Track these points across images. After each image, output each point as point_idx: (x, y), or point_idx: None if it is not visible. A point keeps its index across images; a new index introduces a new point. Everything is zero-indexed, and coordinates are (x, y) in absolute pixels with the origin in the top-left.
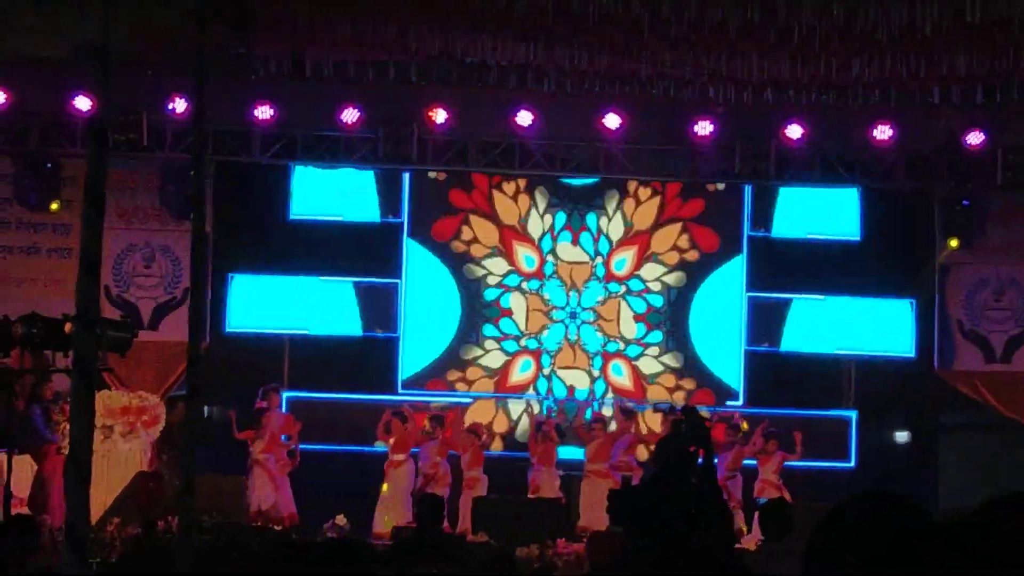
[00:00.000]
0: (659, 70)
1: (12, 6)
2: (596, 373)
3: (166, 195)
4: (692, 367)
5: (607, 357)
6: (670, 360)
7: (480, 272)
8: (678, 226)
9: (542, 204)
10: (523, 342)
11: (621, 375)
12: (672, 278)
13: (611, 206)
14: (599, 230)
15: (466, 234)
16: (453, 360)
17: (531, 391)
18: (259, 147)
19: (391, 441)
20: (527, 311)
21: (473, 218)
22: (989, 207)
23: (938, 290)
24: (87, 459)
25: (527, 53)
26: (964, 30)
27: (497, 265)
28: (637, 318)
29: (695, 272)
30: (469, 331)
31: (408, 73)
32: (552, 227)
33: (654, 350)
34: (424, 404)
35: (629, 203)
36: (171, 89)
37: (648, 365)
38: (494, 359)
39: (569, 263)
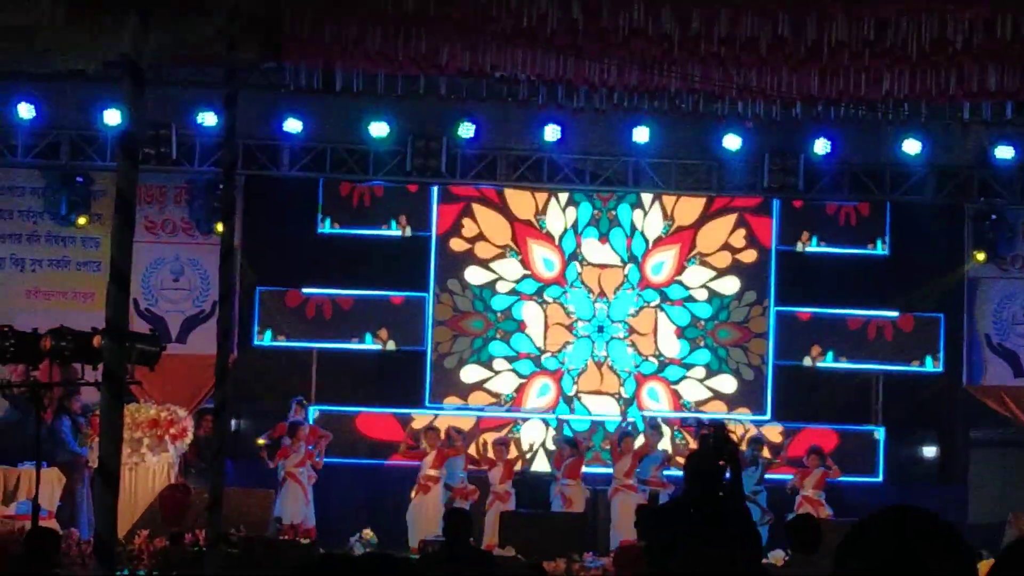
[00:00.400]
0: (688, 84)
1: (44, 20)
2: (627, 398)
3: (195, 209)
4: (748, 392)
5: (641, 379)
6: (719, 384)
7: (487, 277)
8: (731, 218)
9: (563, 195)
10: (541, 361)
11: (658, 401)
12: (723, 284)
13: (647, 196)
14: (632, 226)
15: (468, 229)
16: (453, 383)
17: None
18: (288, 161)
19: (427, 457)
20: (545, 324)
21: (477, 208)
22: (1018, 222)
23: (966, 305)
24: (116, 472)
25: (556, 68)
26: (994, 45)
27: (509, 268)
28: (678, 333)
29: (752, 277)
30: (468, 349)
31: (437, 87)
32: (576, 223)
33: (699, 372)
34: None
35: (669, 194)
36: (201, 103)
37: (691, 390)
38: (505, 382)
39: (596, 266)
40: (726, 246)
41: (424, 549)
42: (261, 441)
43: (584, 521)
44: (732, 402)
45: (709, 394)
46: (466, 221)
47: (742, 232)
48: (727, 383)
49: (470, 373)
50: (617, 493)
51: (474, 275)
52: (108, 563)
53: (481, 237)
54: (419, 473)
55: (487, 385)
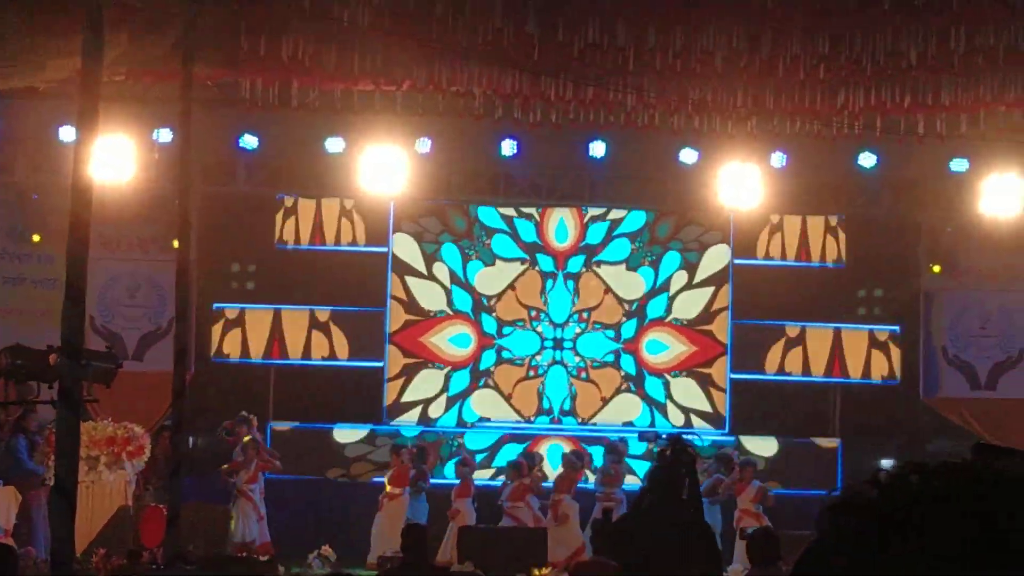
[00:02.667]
0: (644, 100)
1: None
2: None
3: (151, 225)
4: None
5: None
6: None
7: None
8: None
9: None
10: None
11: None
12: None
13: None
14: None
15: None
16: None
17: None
18: (244, 177)
19: (388, 474)
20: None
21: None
22: (973, 235)
23: (922, 317)
24: (73, 490)
25: (512, 83)
26: (949, 58)
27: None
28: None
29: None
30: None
31: (394, 104)
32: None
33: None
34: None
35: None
36: (156, 119)
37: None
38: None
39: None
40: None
41: (382, 565)
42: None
43: (543, 535)
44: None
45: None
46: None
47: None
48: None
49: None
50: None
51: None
52: None
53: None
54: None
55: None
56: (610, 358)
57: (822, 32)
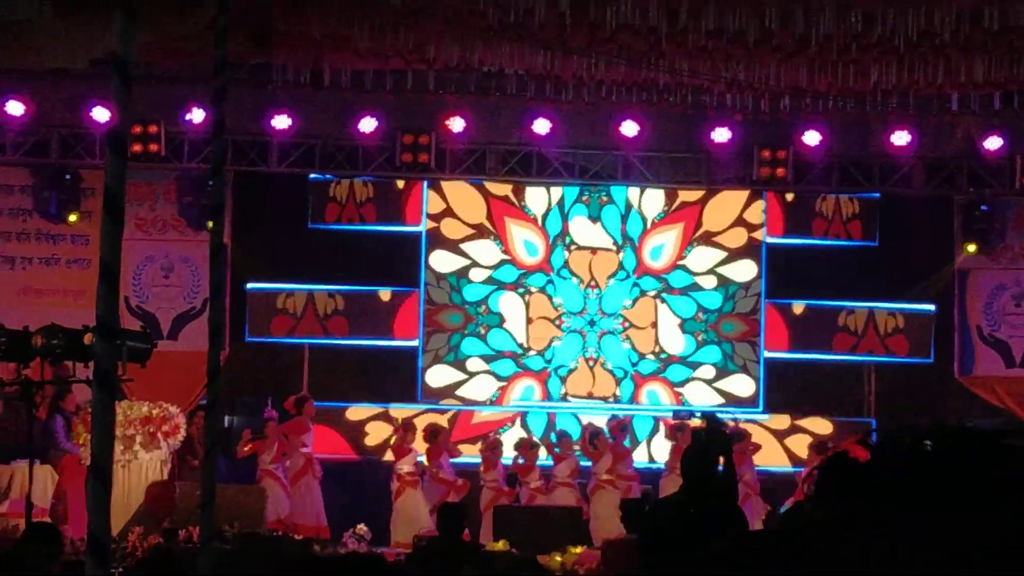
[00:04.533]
0: (677, 78)
1: (31, 19)
2: (623, 402)
3: (184, 206)
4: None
5: (639, 380)
6: (730, 385)
7: (457, 263)
8: (744, 193)
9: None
10: (523, 360)
11: (659, 405)
12: (735, 269)
13: None
14: (628, 204)
15: (434, 204)
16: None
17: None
18: (277, 157)
19: (408, 455)
20: (528, 318)
21: (445, 183)
22: (1008, 213)
23: (957, 296)
24: (108, 469)
25: (545, 62)
26: (982, 36)
27: (484, 252)
28: (682, 326)
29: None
30: (445, 347)
31: (426, 83)
32: (562, 201)
33: (707, 371)
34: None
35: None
36: (189, 99)
37: (698, 392)
38: (482, 386)
39: (586, 250)
40: (740, 222)
41: (418, 544)
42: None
43: (579, 514)
44: (745, 405)
45: (720, 398)
46: (431, 194)
47: (759, 206)
48: (740, 384)
49: (439, 376)
50: (598, 490)
51: (441, 261)
52: (102, 561)
53: (449, 213)
54: (397, 471)
55: (459, 392)
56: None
57: (854, 10)
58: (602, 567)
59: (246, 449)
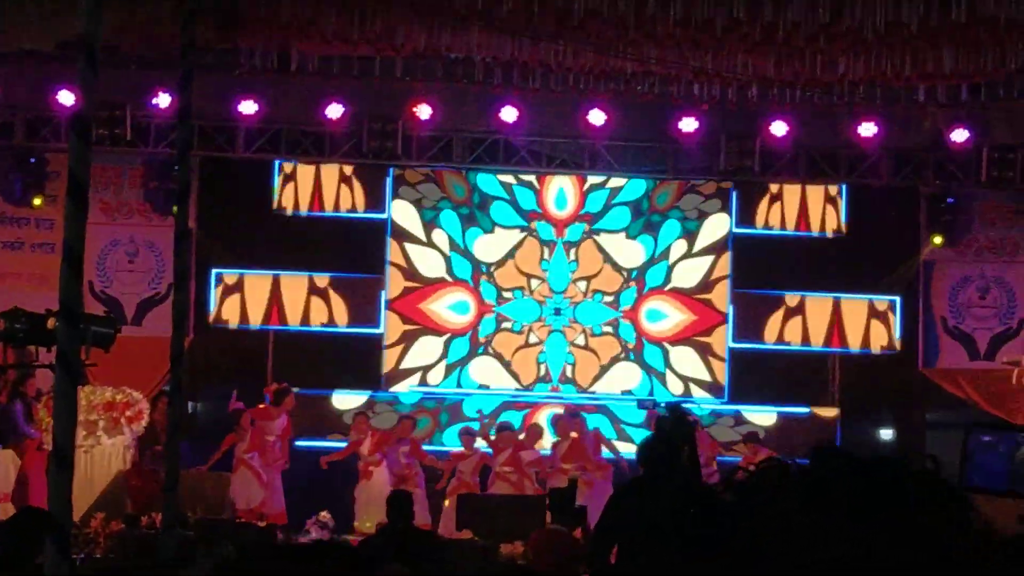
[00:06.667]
0: (644, 67)
1: None
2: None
3: (150, 190)
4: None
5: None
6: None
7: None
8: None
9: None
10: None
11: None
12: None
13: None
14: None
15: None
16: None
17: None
18: (243, 142)
19: (367, 443)
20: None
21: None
22: (974, 205)
23: (922, 287)
24: (70, 454)
25: (512, 49)
26: (949, 28)
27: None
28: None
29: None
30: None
31: (393, 69)
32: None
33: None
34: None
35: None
36: (156, 84)
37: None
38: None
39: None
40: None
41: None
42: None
43: (542, 503)
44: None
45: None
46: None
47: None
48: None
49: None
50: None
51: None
52: (63, 547)
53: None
54: (359, 460)
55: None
56: (609, 327)
57: (822, 0)
58: (530, 556)
59: (223, 447)
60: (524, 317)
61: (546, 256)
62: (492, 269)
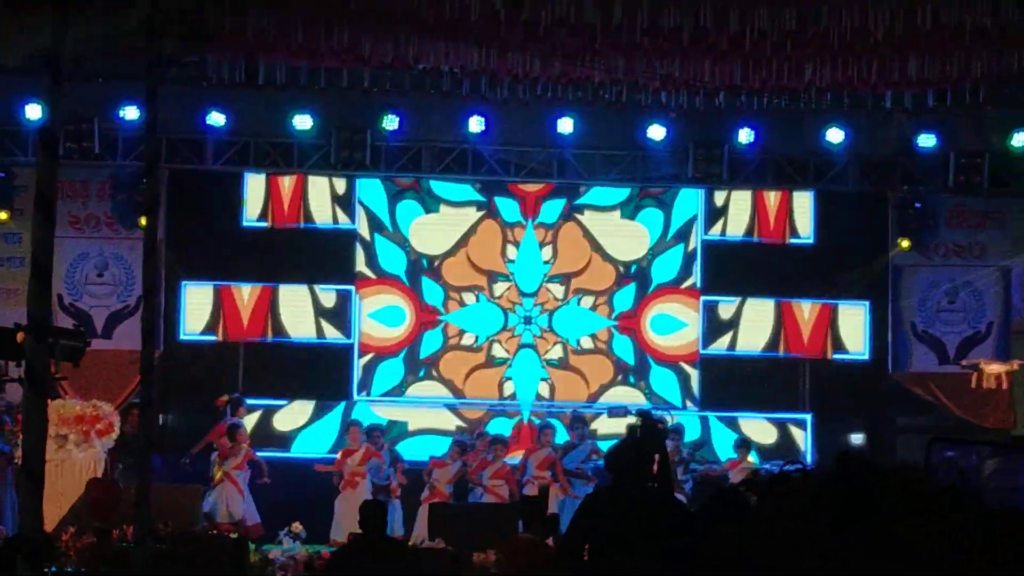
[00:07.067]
0: (612, 75)
1: None
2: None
3: (118, 203)
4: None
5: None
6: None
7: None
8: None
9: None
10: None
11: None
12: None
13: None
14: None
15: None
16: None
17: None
18: (212, 154)
19: (359, 453)
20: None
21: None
22: (941, 210)
23: (891, 292)
24: (40, 469)
25: (480, 59)
26: (915, 34)
27: None
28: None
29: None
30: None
31: (361, 80)
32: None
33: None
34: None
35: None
36: (123, 96)
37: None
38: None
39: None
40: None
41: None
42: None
43: (513, 512)
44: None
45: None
46: None
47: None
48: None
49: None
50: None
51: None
52: (35, 561)
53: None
54: (345, 468)
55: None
56: (599, 342)
57: (789, 7)
58: (502, 565)
59: (218, 465)
60: (482, 328)
61: (511, 243)
62: (436, 263)
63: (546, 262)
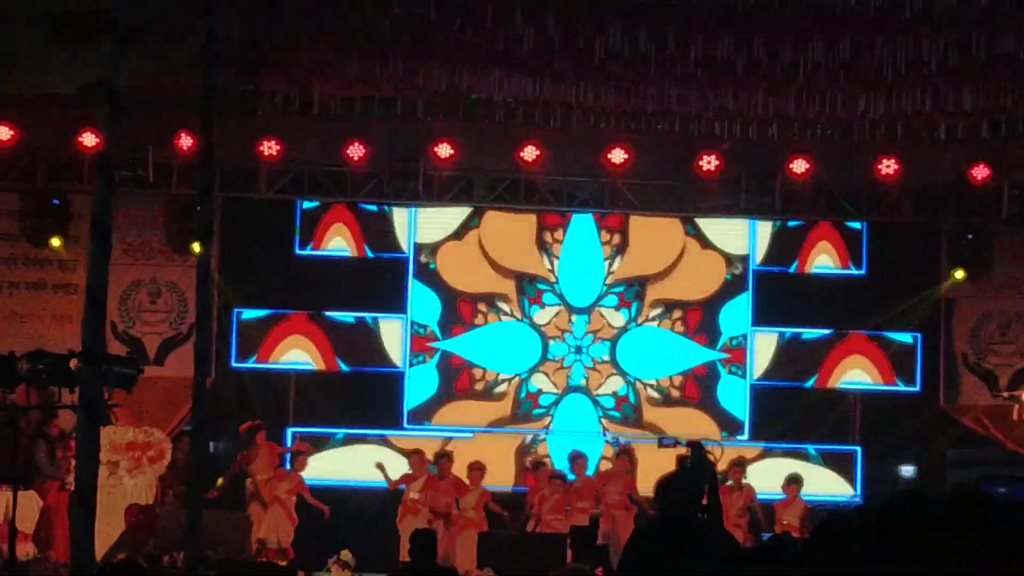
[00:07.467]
0: (665, 106)
1: (22, 43)
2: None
3: (172, 231)
4: None
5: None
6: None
7: None
8: None
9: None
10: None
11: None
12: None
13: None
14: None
15: None
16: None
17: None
18: (265, 183)
19: (415, 480)
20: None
21: None
22: (994, 241)
23: (944, 324)
24: (92, 495)
25: (533, 89)
26: (969, 66)
27: None
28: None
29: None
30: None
31: (414, 109)
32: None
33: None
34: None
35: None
36: (178, 126)
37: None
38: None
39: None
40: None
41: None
42: (220, 481)
43: (564, 542)
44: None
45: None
46: None
47: None
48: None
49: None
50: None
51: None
52: None
53: None
54: (405, 496)
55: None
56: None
57: (843, 39)
58: None
59: (265, 477)
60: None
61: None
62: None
63: (607, 259)
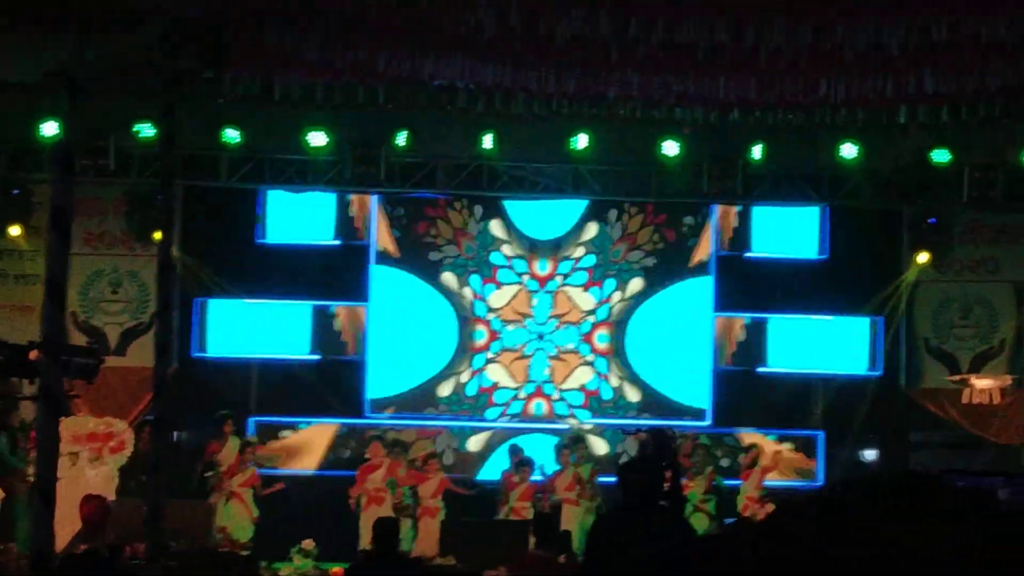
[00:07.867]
0: (627, 91)
1: None
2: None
3: (134, 220)
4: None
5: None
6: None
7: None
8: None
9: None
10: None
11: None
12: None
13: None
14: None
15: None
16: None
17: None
18: (227, 171)
19: (379, 469)
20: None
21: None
22: (955, 225)
23: (905, 308)
24: (52, 486)
25: (495, 75)
26: (930, 49)
27: None
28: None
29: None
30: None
31: (376, 96)
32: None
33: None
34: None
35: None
36: (139, 113)
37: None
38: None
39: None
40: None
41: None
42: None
43: (526, 529)
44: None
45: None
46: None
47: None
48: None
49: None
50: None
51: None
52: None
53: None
54: (369, 485)
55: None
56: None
57: (804, 23)
58: None
59: (221, 471)
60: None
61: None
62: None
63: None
